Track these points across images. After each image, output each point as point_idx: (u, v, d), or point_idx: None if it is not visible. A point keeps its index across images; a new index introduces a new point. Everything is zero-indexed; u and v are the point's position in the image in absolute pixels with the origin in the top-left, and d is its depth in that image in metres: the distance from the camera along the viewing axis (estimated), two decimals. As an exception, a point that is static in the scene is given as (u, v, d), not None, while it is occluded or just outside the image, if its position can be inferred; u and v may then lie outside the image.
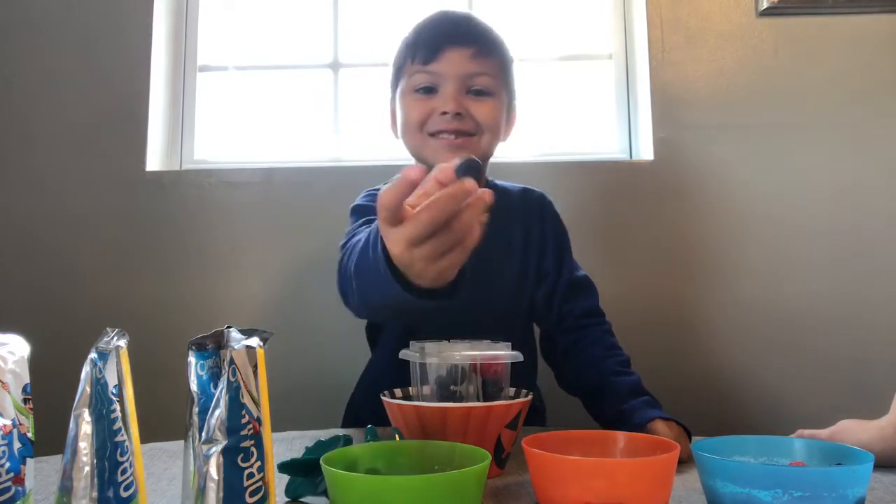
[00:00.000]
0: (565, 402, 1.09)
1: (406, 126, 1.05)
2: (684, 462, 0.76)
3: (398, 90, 1.08)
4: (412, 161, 1.08)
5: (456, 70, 1.01)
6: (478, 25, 1.07)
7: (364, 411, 1.10)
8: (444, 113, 1.00)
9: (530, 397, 0.80)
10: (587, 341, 1.05)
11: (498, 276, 1.07)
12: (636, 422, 0.87)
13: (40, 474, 0.60)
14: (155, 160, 1.56)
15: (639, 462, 0.62)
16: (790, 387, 1.47)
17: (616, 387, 0.96)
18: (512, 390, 0.83)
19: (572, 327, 1.08)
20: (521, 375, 0.87)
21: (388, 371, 0.91)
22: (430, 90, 1.03)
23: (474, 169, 0.60)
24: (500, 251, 1.07)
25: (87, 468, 0.46)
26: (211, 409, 0.49)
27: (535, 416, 1.11)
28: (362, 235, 0.77)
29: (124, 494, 0.48)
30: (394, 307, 0.77)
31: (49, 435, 0.67)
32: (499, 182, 1.16)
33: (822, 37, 1.54)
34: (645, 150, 1.56)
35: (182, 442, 0.56)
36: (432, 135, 1.02)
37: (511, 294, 1.09)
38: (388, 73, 1.13)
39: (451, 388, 0.78)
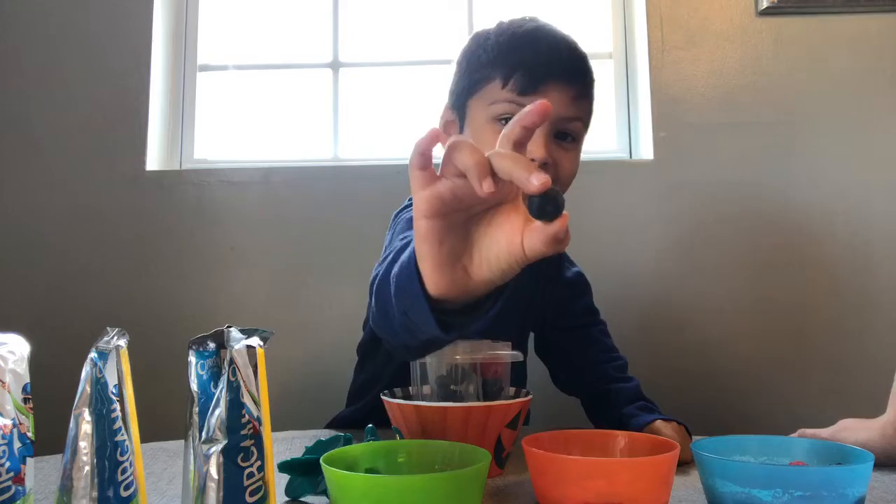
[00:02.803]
0: (564, 402, 1.09)
1: None
2: (684, 462, 0.76)
3: (468, 107, 0.91)
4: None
5: (555, 111, 0.89)
6: (582, 58, 0.92)
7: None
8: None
9: (530, 397, 0.80)
10: (585, 343, 1.05)
11: (526, 284, 1.03)
12: (635, 426, 0.87)
13: (40, 474, 0.60)
14: (155, 160, 1.56)
15: (639, 462, 0.62)
16: (790, 386, 1.47)
17: (616, 394, 0.95)
18: (512, 390, 0.83)
19: (569, 327, 1.07)
20: (514, 376, 0.86)
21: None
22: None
23: (553, 208, 0.46)
24: (524, 271, 1.03)
25: (87, 468, 0.46)
26: (211, 408, 0.49)
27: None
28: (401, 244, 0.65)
29: (124, 494, 0.48)
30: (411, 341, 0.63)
31: (49, 435, 0.67)
32: None
33: (822, 37, 1.54)
34: (645, 150, 1.56)
35: (182, 442, 0.56)
36: None
37: (525, 305, 1.06)
38: (450, 74, 0.96)
39: (451, 387, 0.78)
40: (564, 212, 0.47)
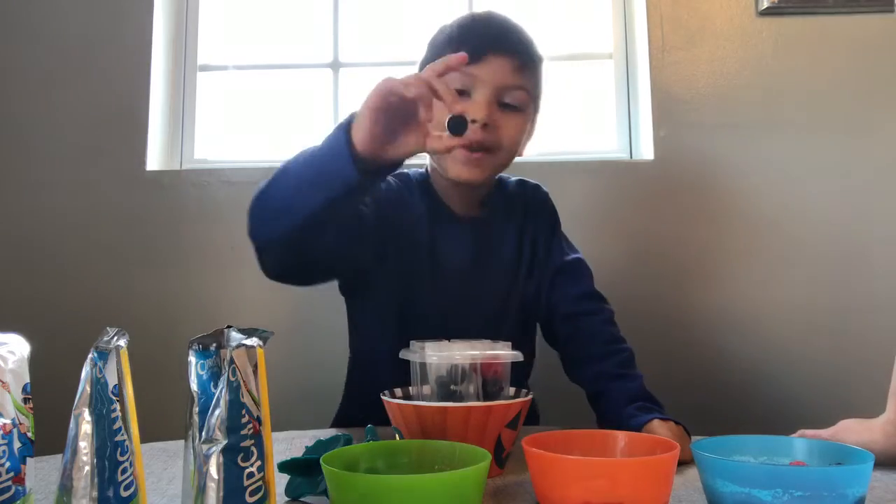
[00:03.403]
0: (565, 401, 1.08)
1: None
2: (684, 462, 0.76)
3: None
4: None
5: (496, 79, 0.98)
6: (524, 35, 1.04)
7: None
8: (473, 121, 0.96)
9: (530, 397, 0.80)
10: (586, 334, 1.03)
11: (493, 262, 1.08)
12: (633, 426, 0.86)
13: (40, 474, 0.60)
14: (155, 160, 1.56)
15: (639, 462, 0.62)
16: (790, 386, 1.47)
17: (614, 393, 0.94)
18: (512, 390, 0.83)
19: (566, 315, 1.05)
20: (514, 375, 0.87)
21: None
22: (462, 92, 0.98)
23: (461, 127, 0.79)
24: (494, 245, 1.08)
25: (87, 468, 0.46)
26: (211, 408, 0.49)
27: (530, 415, 1.10)
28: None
29: (124, 494, 0.48)
30: (325, 206, 0.80)
31: (49, 435, 0.67)
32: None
33: (822, 37, 1.54)
34: (645, 150, 1.56)
35: (182, 442, 0.56)
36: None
37: (503, 289, 1.08)
38: (423, 58, 1.08)
39: (451, 387, 0.78)
40: (467, 133, 0.80)
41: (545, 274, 1.09)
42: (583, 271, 1.11)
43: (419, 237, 1.05)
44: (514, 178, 1.16)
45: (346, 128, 0.78)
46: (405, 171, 1.12)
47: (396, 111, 0.77)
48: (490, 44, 0.98)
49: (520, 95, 1.00)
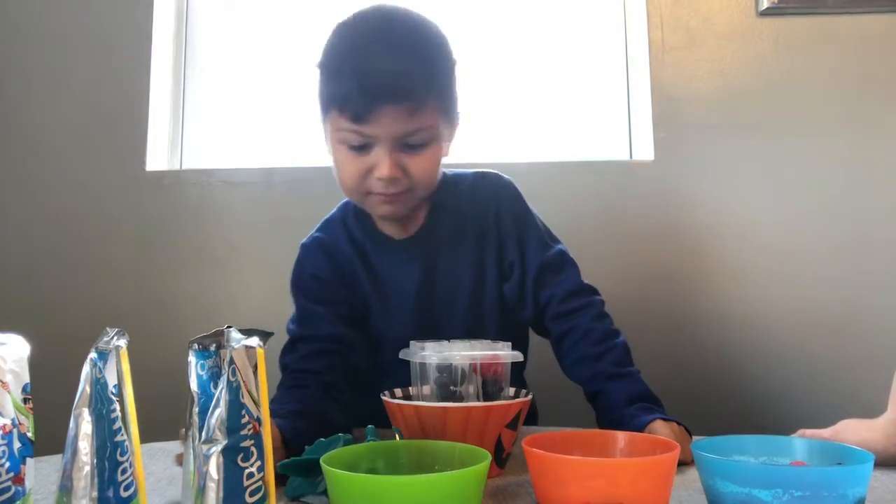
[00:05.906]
0: (565, 402, 1.08)
1: (342, 180, 0.98)
2: (684, 462, 0.76)
3: (327, 122, 0.98)
4: None
5: (391, 131, 0.91)
6: (409, 69, 0.92)
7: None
8: (380, 179, 0.93)
9: (530, 397, 0.80)
10: (577, 334, 0.99)
11: (451, 275, 1.04)
12: (635, 426, 0.85)
13: (40, 474, 0.60)
14: (155, 160, 1.56)
15: (639, 462, 0.62)
16: (791, 387, 1.47)
17: (614, 394, 0.92)
18: (512, 390, 0.83)
19: (558, 314, 1.01)
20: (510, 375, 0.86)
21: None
22: (363, 146, 0.93)
23: None
24: (451, 249, 1.04)
25: (87, 468, 0.46)
26: (211, 408, 0.49)
27: (530, 415, 1.09)
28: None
29: (124, 494, 0.48)
30: None
31: (49, 435, 0.67)
32: (449, 172, 1.07)
33: (822, 37, 1.54)
34: (645, 150, 1.56)
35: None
36: (369, 192, 0.97)
37: (470, 292, 1.04)
38: (320, 62, 0.98)
39: (451, 388, 0.78)
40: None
41: (528, 272, 1.03)
42: (567, 265, 1.05)
43: (359, 277, 1.05)
44: (469, 175, 1.09)
45: None
46: (331, 215, 1.11)
47: None
48: (375, 97, 0.89)
49: (422, 135, 0.93)
